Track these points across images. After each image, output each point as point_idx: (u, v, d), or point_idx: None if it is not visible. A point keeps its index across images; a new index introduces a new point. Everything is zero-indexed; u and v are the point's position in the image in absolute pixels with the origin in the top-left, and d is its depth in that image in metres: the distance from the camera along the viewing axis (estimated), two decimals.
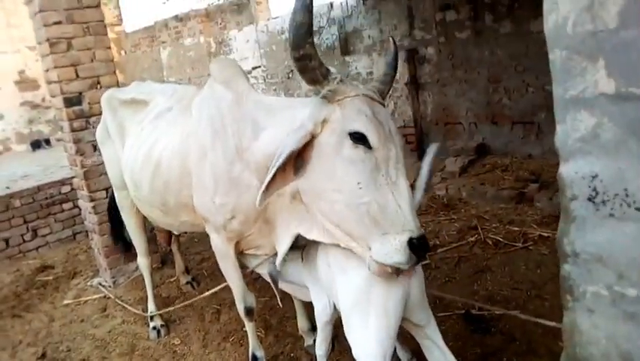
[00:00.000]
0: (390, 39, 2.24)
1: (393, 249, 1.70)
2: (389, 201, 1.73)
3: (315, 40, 7.61)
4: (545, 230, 4.11)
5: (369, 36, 6.81)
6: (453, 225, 4.56)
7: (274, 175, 1.76)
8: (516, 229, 4.26)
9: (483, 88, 5.74)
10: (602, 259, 1.34)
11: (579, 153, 1.35)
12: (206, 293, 3.30)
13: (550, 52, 1.34)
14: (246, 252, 2.64)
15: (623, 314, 1.29)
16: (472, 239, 4.23)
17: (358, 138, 1.73)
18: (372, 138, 1.74)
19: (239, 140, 2.23)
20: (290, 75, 8.03)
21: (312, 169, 1.82)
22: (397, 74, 6.32)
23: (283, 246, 2.22)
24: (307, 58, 1.71)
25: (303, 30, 1.67)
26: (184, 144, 2.54)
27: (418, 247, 1.69)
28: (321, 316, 2.42)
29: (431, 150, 2.16)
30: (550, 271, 3.54)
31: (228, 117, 2.30)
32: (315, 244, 2.19)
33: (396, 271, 1.76)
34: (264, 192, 1.78)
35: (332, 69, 1.80)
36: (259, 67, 8.56)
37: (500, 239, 4.13)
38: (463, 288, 3.49)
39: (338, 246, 1.95)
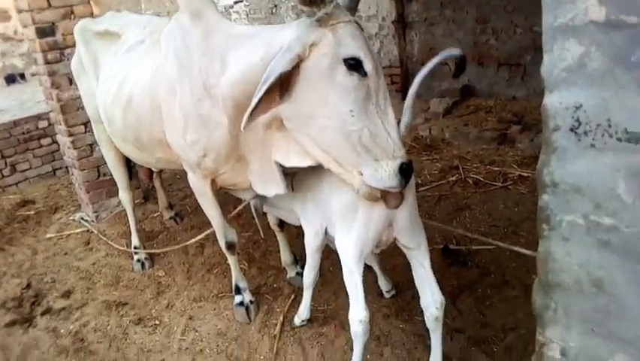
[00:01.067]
0: None
1: (386, 174, 1.77)
2: (379, 129, 1.76)
3: None
4: (525, 170, 4.18)
5: None
6: (435, 165, 4.61)
7: (260, 99, 1.72)
8: (496, 169, 4.32)
9: (470, 28, 5.64)
10: (580, 189, 1.36)
11: (564, 84, 1.34)
12: (192, 240, 3.32)
13: None
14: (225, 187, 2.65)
15: (597, 242, 1.33)
16: (453, 178, 4.29)
17: (353, 65, 1.71)
18: (368, 65, 1.73)
19: (206, 76, 2.14)
20: (274, 10, 7.78)
21: (298, 94, 1.79)
22: (385, 13, 6.16)
23: (276, 173, 2.20)
24: None
25: None
26: (153, 79, 2.45)
27: (406, 171, 1.79)
28: (312, 242, 2.50)
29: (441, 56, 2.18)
30: (527, 209, 3.64)
31: (196, 52, 2.19)
32: (309, 171, 2.21)
33: (383, 195, 1.85)
34: (249, 115, 1.74)
35: None
36: (241, 1, 8.25)
37: (481, 179, 4.20)
38: (443, 225, 3.57)
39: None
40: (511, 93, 5.53)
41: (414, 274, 2.27)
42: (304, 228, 2.53)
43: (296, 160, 2.04)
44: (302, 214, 2.51)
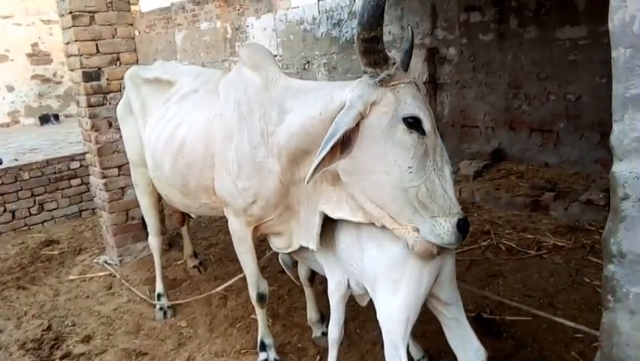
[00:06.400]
0: (409, 28, 2.28)
1: (445, 231, 1.77)
2: (437, 186, 1.79)
3: (335, 33, 7.55)
4: (560, 240, 4.07)
5: (389, 32, 6.76)
6: None
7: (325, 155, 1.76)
8: (530, 236, 4.22)
9: (503, 93, 5.68)
10: None
11: (635, 153, 1.31)
12: (219, 288, 3.35)
13: (613, 50, 1.31)
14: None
15: None
16: (485, 244, 4.19)
17: (412, 124, 1.75)
18: (427, 125, 1.77)
19: (265, 125, 2.25)
20: (306, 66, 8.00)
21: (358, 150, 1.82)
22: (417, 74, 6.28)
23: (315, 226, 2.24)
24: (376, 40, 1.68)
25: (378, 11, 1.64)
26: (209, 127, 2.54)
27: (463, 227, 1.79)
28: (335, 292, 2.43)
29: None
30: (563, 280, 3.51)
31: (255, 102, 2.31)
32: (331, 223, 2.23)
33: (438, 251, 1.84)
34: (313, 170, 1.78)
35: (390, 54, 1.78)
36: (275, 56, 8.52)
37: (513, 245, 4.09)
38: (475, 292, 3.45)
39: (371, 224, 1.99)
40: (543, 160, 5.48)
41: (449, 335, 2.16)
42: (327, 277, 2.48)
43: (347, 213, 2.05)
44: (325, 263, 2.47)
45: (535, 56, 5.35)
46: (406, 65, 2.05)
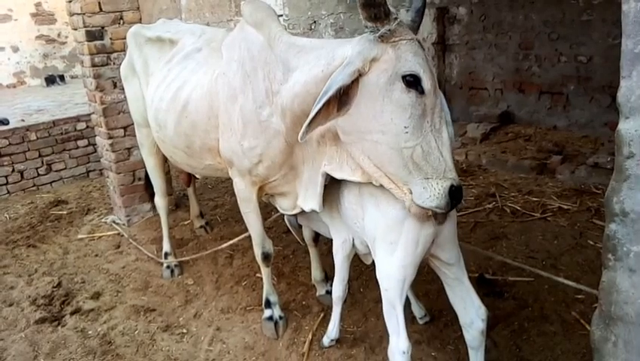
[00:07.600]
0: None
1: (435, 193, 1.75)
2: (432, 147, 1.75)
3: None
4: (565, 203, 4.06)
5: None
6: (470, 191, 4.52)
7: (319, 110, 1.73)
8: (535, 199, 4.21)
9: (513, 54, 5.56)
10: None
11: None
12: (225, 245, 3.37)
13: (624, 3, 1.27)
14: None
15: None
16: (490, 206, 4.19)
17: (411, 82, 1.70)
18: (426, 83, 1.72)
19: (269, 83, 2.22)
20: (312, 26, 7.84)
21: (356, 108, 1.79)
22: (425, 34, 6.14)
23: (317, 186, 2.24)
24: None
25: None
26: (213, 86, 2.51)
27: (455, 194, 1.75)
28: (340, 250, 2.48)
29: None
30: (567, 242, 3.53)
31: (260, 60, 2.27)
32: (336, 182, 2.23)
33: (434, 215, 1.83)
34: (307, 126, 1.75)
35: (392, 9, 1.72)
36: (281, 16, 8.35)
37: (518, 208, 4.09)
38: (478, 253, 3.48)
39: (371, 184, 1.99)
40: (552, 122, 5.41)
41: (450, 294, 2.19)
42: (332, 236, 2.51)
43: (347, 173, 2.04)
44: (330, 222, 2.50)
45: (547, 16, 5.20)
46: (417, 25, 1.96)
